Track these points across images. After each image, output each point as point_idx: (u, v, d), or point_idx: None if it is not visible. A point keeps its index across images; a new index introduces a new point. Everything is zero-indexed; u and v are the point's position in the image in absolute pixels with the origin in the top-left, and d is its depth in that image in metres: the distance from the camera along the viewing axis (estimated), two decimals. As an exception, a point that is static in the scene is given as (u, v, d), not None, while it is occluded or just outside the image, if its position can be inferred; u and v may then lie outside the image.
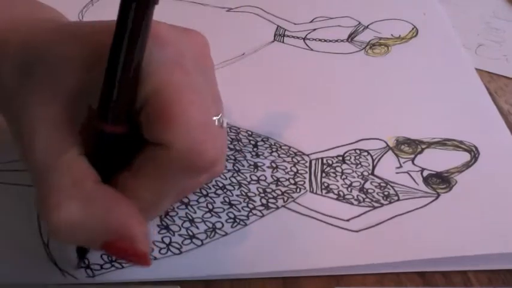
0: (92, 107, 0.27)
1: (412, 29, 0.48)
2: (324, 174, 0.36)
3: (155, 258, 0.32)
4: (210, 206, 0.34)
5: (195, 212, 0.34)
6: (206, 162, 0.26)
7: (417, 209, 0.34)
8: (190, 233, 0.33)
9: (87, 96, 0.26)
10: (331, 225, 0.34)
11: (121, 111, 0.26)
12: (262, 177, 0.36)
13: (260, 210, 0.34)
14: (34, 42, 0.28)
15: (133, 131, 0.26)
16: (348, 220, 0.34)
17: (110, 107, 0.25)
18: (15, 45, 0.28)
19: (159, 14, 0.47)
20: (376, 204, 0.35)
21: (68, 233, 0.26)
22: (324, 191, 0.35)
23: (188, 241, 0.33)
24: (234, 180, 0.36)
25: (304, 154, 0.38)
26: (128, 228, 0.26)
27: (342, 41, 0.47)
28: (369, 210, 0.34)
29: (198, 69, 0.28)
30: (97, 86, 0.26)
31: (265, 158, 0.37)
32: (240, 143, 0.38)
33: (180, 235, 0.33)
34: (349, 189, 0.36)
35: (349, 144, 0.38)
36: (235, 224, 0.33)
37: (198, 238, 0.33)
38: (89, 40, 0.27)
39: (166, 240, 0.32)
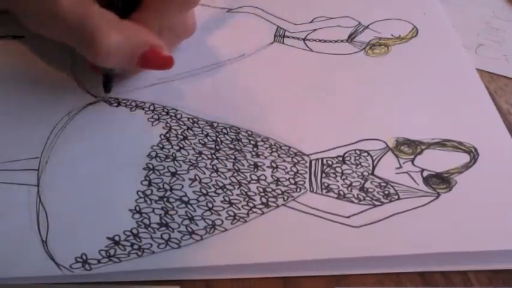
0: None
1: (412, 29, 0.48)
2: (324, 175, 0.36)
3: (153, 253, 0.32)
4: (210, 205, 0.34)
5: (195, 211, 0.34)
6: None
7: (418, 207, 0.35)
8: (190, 230, 0.33)
9: None
10: (332, 221, 0.34)
11: None
12: (262, 177, 0.36)
13: (260, 209, 0.34)
14: None
15: None
16: (348, 217, 0.34)
17: None
18: None
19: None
20: (376, 203, 0.35)
21: (116, 55, 0.36)
22: (324, 191, 0.35)
23: (187, 237, 0.33)
24: (234, 179, 0.36)
25: (304, 154, 0.38)
26: (154, 40, 0.37)
27: (342, 41, 0.47)
28: (369, 208, 0.34)
29: None
30: None
31: (265, 158, 0.37)
32: (240, 142, 0.38)
33: (179, 231, 0.33)
34: (349, 188, 0.36)
35: (349, 144, 0.38)
36: (235, 220, 0.34)
37: (197, 234, 0.33)
38: None
39: (165, 236, 0.33)
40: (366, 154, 0.38)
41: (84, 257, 0.31)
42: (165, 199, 0.34)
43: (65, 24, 0.35)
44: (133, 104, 0.40)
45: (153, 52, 0.37)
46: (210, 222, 0.33)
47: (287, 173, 0.36)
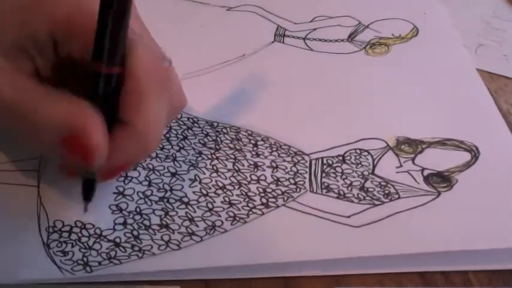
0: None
1: (413, 28, 0.48)
2: (324, 175, 0.36)
3: (153, 254, 0.32)
4: (210, 206, 0.34)
5: (195, 212, 0.34)
6: (154, 147, 0.33)
7: (418, 206, 0.35)
8: (190, 231, 0.33)
9: (26, 48, 0.30)
10: (332, 221, 0.34)
11: (113, 54, 0.29)
12: (262, 177, 0.36)
13: (260, 209, 0.34)
14: None
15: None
16: (348, 216, 0.34)
17: (105, 50, 0.29)
18: None
19: (160, 12, 0.48)
20: (376, 202, 0.35)
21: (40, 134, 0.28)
22: (324, 191, 0.35)
23: (187, 238, 0.33)
24: (234, 180, 0.36)
25: (304, 154, 0.38)
26: (84, 120, 0.28)
27: (342, 40, 0.47)
28: (369, 208, 0.34)
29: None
30: (35, 38, 0.29)
31: (265, 157, 0.37)
32: (240, 142, 0.38)
33: (179, 233, 0.33)
34: (350, 188, 0.36)
35: (350, 144, 0.38)
36: (235, 221, 0.33)
37: (197, 235, 0.33)
38: None
39: (166, 238, 0.32)
40: (366, 153, 0.38)
41: (85, 259, 0.31)
42: (165, 200, 0.34)
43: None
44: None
45: (74, 138, 0.28)
46: (210, 223, 0.33)
47: (287, 173, 0.36)
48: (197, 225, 0.33)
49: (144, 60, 0.30)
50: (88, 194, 0.32)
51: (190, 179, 0.36)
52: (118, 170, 0.32)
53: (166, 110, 0.31)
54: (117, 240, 0.32)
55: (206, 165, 0.36)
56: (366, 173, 0.37)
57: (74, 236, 0.32)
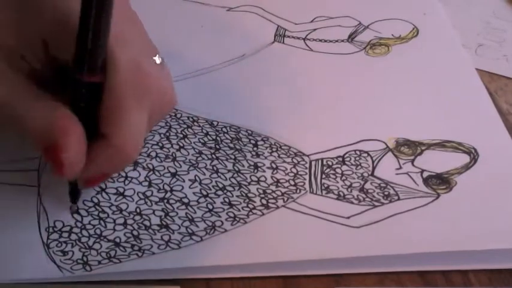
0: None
1: (413, 29, 0.48)
2: (324, 176, 0.36)
3: (153, 254, 0.32)
4: (210, 206, 0.34)
5: (195, 212, 0.34)
6: (133, 159, 0.31)
7: (417, 207, 0.35)
8: (190, 231, 0.33)
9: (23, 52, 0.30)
10: (332, 222, 0.34)
11: (94, 64, 0.28)
12: (262, 178, 0.36)
13: (260, 210, 0.34)
14: None
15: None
16: (348, 217, 0.34)
17: (86, 60, 0.28)
18: None
19: (160, 13, 0.48)
20: (376, 203, 0.35)
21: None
22: (324, 192, 0.36)
23: (187, 238, 0.33)
24: (234, 181, 0.36)
25: (304, 155, 0.38)
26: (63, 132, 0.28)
27: (342, 41, 0.47)
28: (369, 209, 0.34)
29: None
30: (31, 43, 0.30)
31: (265, 158, 0.37)
32: (240, 142, 0.38)
33: (179, 233, 0.33)
34: (349, 189, 0.36)
35: (349, 145, 0.38)
36: (235, 222, 0.34)
37: (197, 235, 0.33)
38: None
39: (166, 238, 0.33)
40: (366, 155, 0.38)
41: (84, 259, 0.31)
42: (165, 200, 0.34)
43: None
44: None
45: (51, 148, 0.28)
46: (210, 224, 0.33)
47: (287, 174, 0.36)
48: (197, 226, 0.33)
49: (122, 72, 0.29)
50: (73, 197, 0.33)
51: (190, 180, 0.36)
52: (96, 180, 0.33)
53: (146, 119, 0.31)
54: (117, 240, 0.32)
55: (206, 165, 0.36)
56: (365, 174, 0.37)
57: (74, 236, 0.32)
